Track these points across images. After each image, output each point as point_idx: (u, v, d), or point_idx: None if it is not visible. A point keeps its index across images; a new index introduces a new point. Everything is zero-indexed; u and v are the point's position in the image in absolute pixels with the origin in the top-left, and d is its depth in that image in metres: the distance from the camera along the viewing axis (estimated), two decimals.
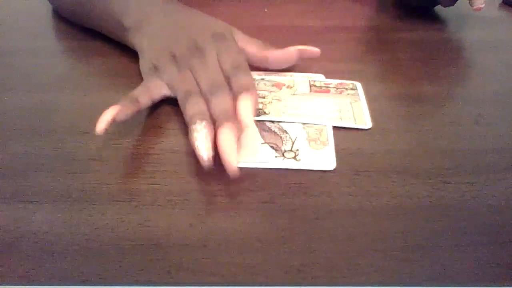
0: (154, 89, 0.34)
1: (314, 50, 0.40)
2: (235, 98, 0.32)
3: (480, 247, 0.26)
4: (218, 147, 0.29)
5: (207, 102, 0.32)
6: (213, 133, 0.30)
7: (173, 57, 0.35)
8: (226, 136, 0.29)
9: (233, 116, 0.30)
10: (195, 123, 0.30)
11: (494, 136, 0.34)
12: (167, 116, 0.35)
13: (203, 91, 0.33)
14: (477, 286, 0.24)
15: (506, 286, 0.24)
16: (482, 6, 0.43)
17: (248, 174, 0.30)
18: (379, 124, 0.35)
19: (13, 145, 0.33)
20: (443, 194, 0.29)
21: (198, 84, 0.34)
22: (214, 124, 0.30)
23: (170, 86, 0.35)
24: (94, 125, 0.34)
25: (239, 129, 0.30)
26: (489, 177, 0.30)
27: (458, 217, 0.28)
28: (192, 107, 0.32)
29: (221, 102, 0.31)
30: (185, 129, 0.34)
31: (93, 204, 0.28)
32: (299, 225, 0.27)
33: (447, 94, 0.39)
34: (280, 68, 0.40)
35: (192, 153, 0.32)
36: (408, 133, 0.34)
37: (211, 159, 0.28)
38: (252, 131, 0.33)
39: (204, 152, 0.28)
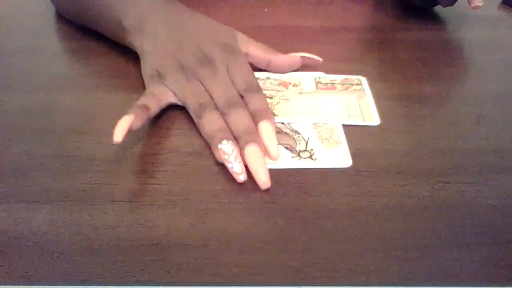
0: (161, 96, 0.34)
1: (317, 58, 0.40)
2: (252, 116, 0.32)
3: (480, 247, 0.26)
4: (248, 166, 0.30)
5: (224, 116, 0.32)
6: (239, 150, 0.30)
7: (180, 65, 0.35)
8: (255, 156, 0.30)
9: (256, 133, 0.31)
10: (221, 142, 0.30)
11: (494, 136, 0.34)
12: (167, 116, 0.35)
13: (218, 105, 0.33)
14: (477, 286, 0.24)
15: (506, 286, 0.24)
16: (480, 4, 0.43)
17: (251, 174, 0.30)
18: (379, 124, 0.35)
19: (13, 145, 0.33)
20: (443, 194, 0.29)
21: (211, 97, 0.34)
22: (235, 139, 0.31)
23: (179, 95, 0.35)
24: (94, 125, 0.34)
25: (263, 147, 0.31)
26: (489, 177, 0.31)
27: (458, 217, 0.28)
28: (209, 122, 0.32)
29: (239, 119, 0.32)
30: (186, 129, 0.34)
31: (93, 204, 0.28)
32: (299, 225, 0.27)
33: (447, 94, 0.39)
34: (282, 72, 0.40)
35: (192, 153, 0.32)
36: (408, 133, 0.34)
37: (246, 177, 0.29)
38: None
39: (241, 175, 0.29)
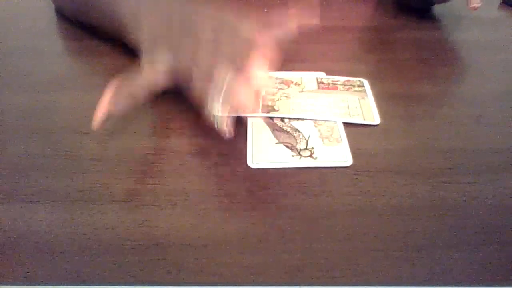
0: (155, 79, 0.34)
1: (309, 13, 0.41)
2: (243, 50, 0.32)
3: (480, 247, 0.26)
4: (237, 104, 0.31)
5: (212, 77, 0.32)
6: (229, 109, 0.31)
7: (174, 46, 0.35)
8: (244, 93, 0.31)
9: (246, 65, 0.31)
10: (211, 102, 0.31)
11: (494, 136, 0.34)
12: (167, 116, 0.35)
13: (205, 69, 0.33)
14: (477, 286, 0.24)
15: (506, 286, 0.24)
16: (479, 5, 0.43)
17: (251, 174, 0.30)
18: (379, 123, 0.35)
19: (13, 145, 0.33)
20: (443, 194, 0.29)
21: (199, 64, 0.33)
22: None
23: (173, 75, 0.34)
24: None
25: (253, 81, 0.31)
26: (489, 177, 0.30)
27: (458, 217, 0.28)
28: (199, 85, 0.32)
29: (228, 54, 0.32)
30: (186, 129, 0.34)
31: (93, 204, 0.28)
32: (299, 225, 0.27)
33: (447, 94, 0.39)
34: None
35: (192, 153, 0.32)
36: (408, 133, 0.34)
37: (233, 134, 0.31)
38: (265, 132, 0.34)
39: (227, 133, 0.31)
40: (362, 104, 0.37)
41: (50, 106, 0.36)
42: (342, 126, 0.34)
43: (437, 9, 0.53)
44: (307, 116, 0.35)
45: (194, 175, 0.30)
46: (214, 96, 0.31)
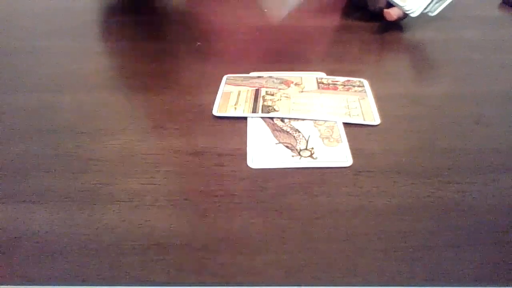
0: None
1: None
2: None
3: (480, 247, 0.26)
4: None
5: None
6: None
7: None
8: None
9: None
10: None
11: (494, 136, 0.34)
12: (167, 116, 0.35)
13: None
14: (477, 286, 0.24)
15: (506, 286, 0.24)
16: (394, 17, 0.46)
17: (251, 174, 0.30)
18: (379, 123, 0.35)
19: (13, 145, 0.33)
20: (443, 194, 0.29)
21: None
22: None
23: None
24: (94, 125, 0.34)
25: None
26: (489, 177, 0.30)
27: (458, 217, 0.28)
28: None
29: None
30: (186, 129, 0.34)
31: (93, 204, 0.28)
32: (299, 225, 0.27)
33: (447, 94, 0.39)
34: None
35: (192, 153, 0.32)
36: (408, 133, 0.34)
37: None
38: (265, 132, 0.33)
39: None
40: (362, 104, 0.37)
41: (50, 106, 0.36)
42: (342, 126, 0.34)
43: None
44: (307, 116, 0.35)
45: (194, 175, 0.30)
46: None
